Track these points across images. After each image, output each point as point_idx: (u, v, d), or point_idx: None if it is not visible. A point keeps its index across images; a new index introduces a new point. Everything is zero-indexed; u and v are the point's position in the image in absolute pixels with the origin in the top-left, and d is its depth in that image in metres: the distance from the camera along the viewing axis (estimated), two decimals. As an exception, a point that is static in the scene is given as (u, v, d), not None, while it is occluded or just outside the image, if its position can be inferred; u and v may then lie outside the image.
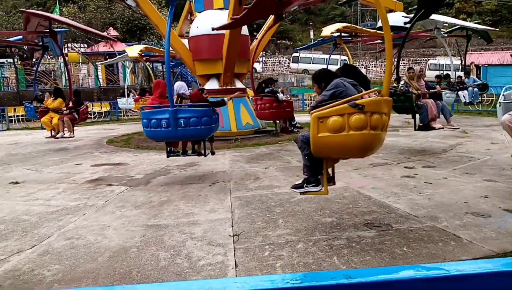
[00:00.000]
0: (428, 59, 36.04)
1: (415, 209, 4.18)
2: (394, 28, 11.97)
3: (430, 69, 34.30)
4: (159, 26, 10.72)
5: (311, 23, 44.18)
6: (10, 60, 23.89)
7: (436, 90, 7.73)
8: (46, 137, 10.61)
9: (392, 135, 9.92)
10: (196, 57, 11.15)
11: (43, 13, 10.22)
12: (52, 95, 10.67)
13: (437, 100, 7.47)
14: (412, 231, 3.56)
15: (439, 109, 7.34)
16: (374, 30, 14.31)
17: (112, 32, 25.18)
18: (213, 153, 6.60)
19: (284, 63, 38.46)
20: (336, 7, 47.13)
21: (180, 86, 6.47)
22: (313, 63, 34.56)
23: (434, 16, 10.69)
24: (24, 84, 23.42)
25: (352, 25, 16.39)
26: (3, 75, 24.49)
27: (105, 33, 23.75)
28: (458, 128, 8.00)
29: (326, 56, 33.64)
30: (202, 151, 6.15)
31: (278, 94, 9.63)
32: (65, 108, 10.04)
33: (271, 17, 10.98)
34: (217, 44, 10.26)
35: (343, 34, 13.36)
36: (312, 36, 41.96)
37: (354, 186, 5.15)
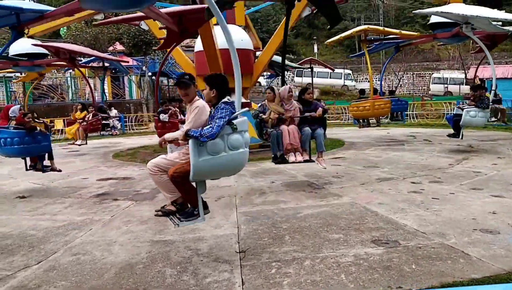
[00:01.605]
0: (432, 73, 36.06)
1: (423, 225, 4.14)
2: (441, 26, 9.97)
3: (434, 83, 34.30)
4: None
5: (314, 38, 44.54)
6: (18, 74, 24.21)
7: (309, 114, 5.95)
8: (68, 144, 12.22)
9: (398, 150, 9.90)
10: (198, 72, 11.25)
11: (56, 45, 10.88)
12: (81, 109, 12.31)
13: (313, 126, 5.94)
14: (421, 248, 3.53)
15: (305, 138, 5.86)
16: (399, 31, 12.36)
17: (118, 47, 25.51)
18: (53, 170, 7.16)
19: (288, 76, 38.63)
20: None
21: (12, 110, 7.17)
22: (317, 77, 34.71)
23: (463, 9, 8.19)
24: (31, 98, 23.66)
25: (375, 26, 15.24)
26: (11, 89, 24.80)
27: (111, 47, 24.13)
28: (325, 168, 6.31)
29: (329, 70, 33.88)
30: (39, 167, 7.03)
31: (161, 114, 9.83)
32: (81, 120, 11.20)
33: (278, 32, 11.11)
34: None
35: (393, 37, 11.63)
36: (316, 50, 42.26)
37: (361, 202, 5.13)
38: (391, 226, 4.15)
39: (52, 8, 6.22)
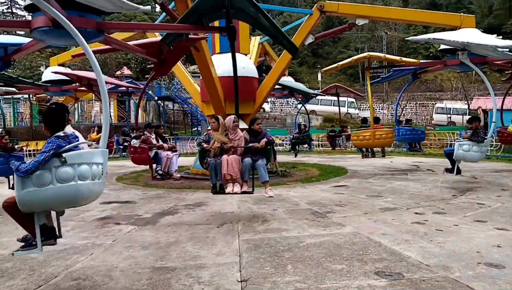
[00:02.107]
0: (435, 103, 36.34)
1: (427, 257, 4.10)
2: (451, 52, 9.67)
3: (437, 113, 34.50)
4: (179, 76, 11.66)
5: (318, 66, 45.27)
6: (26, 95, 24.62)
7: (252, 145, 5.93)
8: None
9: (401, 179, 9.89)
10: (203, 98, 11.42)
11: (77, 74, 11.99)
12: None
13: (255, 157, 5.89)
14: (425, 281, 3.49)
15: (245, 169, 5.77)
16: (400, 58, 12.62)
17: (126, 71, 26.08)
18: None
19: (292, 103, 39.04)
20: (343, 51, 48.42)
21: None
22: (320, 104, 35.06)
23: (457, 36, 7.87)
24: (38, 119, 23.97)
25: (377, 53, 15.27)
26: (18, 110, 25.15)
27: (118, 71, 24.58)
28: (272, 196, 6.32)
29: (333, 98, 34.31)
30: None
31: (133, 140, 10.61)
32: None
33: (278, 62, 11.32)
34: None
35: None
36: (319, 78, 42.85)
37: (364, 232, 5.09)
38: (395, 258, 4.11)
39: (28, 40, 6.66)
